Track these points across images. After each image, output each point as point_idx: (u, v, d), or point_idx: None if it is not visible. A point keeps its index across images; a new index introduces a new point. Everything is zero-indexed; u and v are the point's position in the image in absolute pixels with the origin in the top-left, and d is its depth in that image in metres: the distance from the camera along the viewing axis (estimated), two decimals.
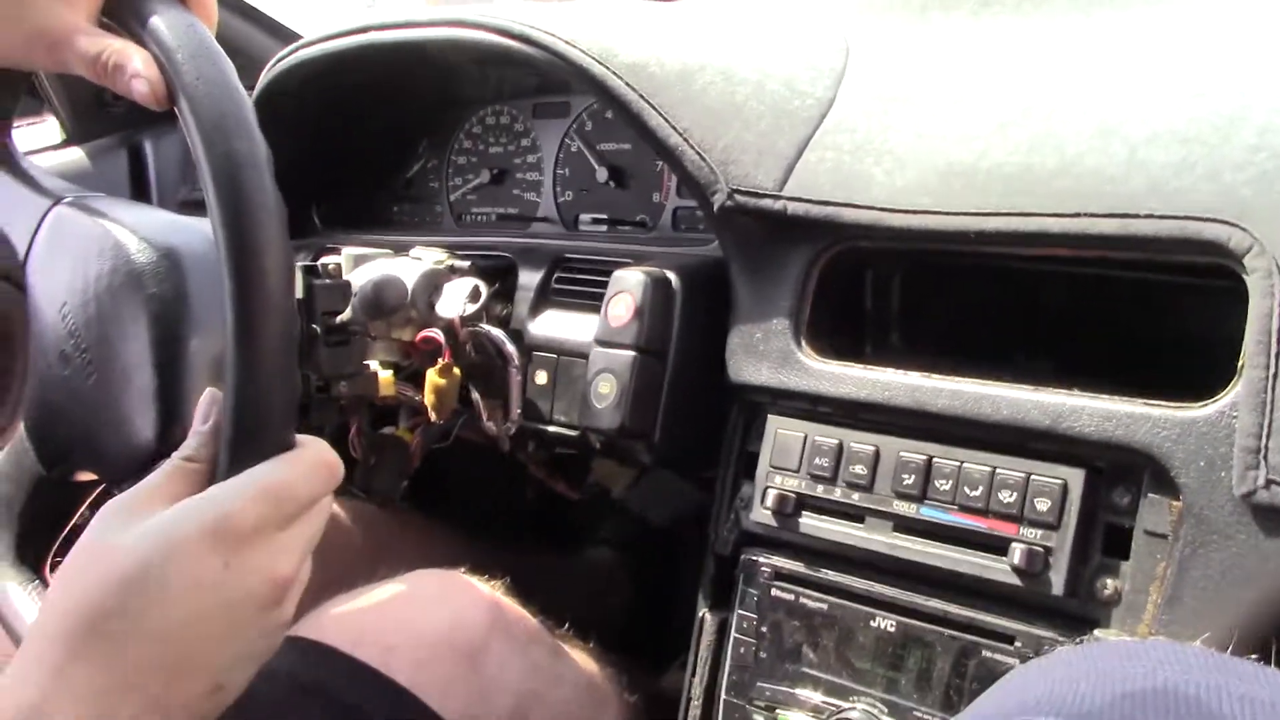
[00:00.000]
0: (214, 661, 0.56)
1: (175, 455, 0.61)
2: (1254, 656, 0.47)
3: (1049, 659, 0.50)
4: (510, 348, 0.88)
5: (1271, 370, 0.55)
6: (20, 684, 0.53)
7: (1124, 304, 0.76)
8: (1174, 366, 0.64)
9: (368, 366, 0.86)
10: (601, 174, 1.05)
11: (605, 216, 1.06)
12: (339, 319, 0.80)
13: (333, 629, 0.73)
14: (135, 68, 0.65)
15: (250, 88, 0.77)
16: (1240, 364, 0.57)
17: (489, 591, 0.81)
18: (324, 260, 0.84)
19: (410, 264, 0.91)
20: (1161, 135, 0.65)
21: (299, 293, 0.75)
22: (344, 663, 0.71)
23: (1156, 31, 0.75)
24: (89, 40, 0.66)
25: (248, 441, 0.62)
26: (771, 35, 0.91)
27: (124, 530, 0.55)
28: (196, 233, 0.84)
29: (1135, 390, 0.62)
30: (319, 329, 0.78)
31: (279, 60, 1.05)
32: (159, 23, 0.66)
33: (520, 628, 0.80)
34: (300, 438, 0.62)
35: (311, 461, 0.61)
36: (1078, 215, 0.64)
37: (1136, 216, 0.62)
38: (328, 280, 0.79)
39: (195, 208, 0.94)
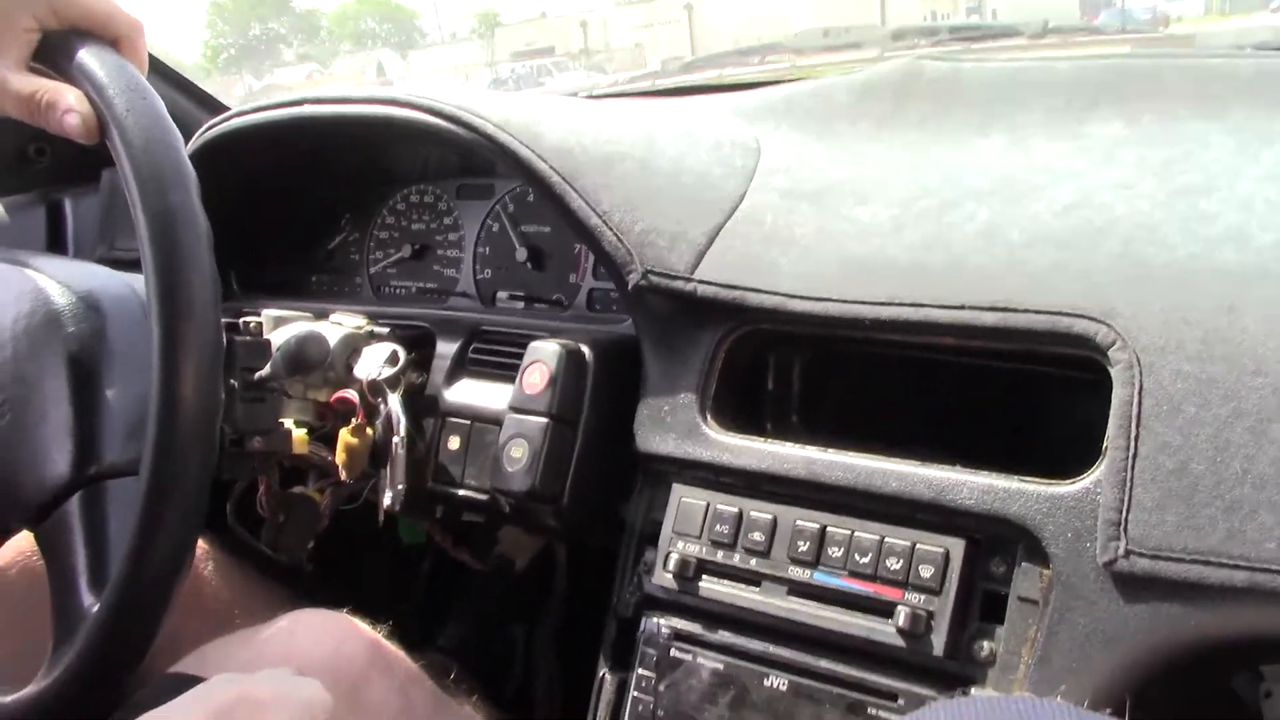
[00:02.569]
0: None
1: None
2: (1109, 711, 0.52)
3: (922, 713, 0.54)
4: (403, 420, 0.89)
5: (1131, 451, 0.61)
6: None
7: (1006, 392, 0.82)
8: (1049, 447, 0.69)
9: (282, 424, 0.87)
10: (521, 254, 1.09)
11: (522, 294, 1.10)
12: (257, 375, 0.82)
13: (215, 663, 0.74)
14: (68, 103, 0.69)
15: None
16: (1104, 446, 0.63)
17: (371, 631, 0.82)
18: (244, 319, 0.86)
19: (330, 327, 0.93)
20: (1039, 240, 0.72)
21: None
22: None
23: (1038, 151, 0.83)
24: (21, 81, 0.70)
25: (167, 486, 0.64)
26: (689, 134, 0.97)
27: None
28: (116, 279, 0.85)
29: (1013, 468, 0.67)
30: (236, 384, 0.79)
31: (210, 128, 1.07)
32: (90, 61, 0.70)
33: (400, 668, 0.81)
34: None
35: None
36: (963, 308, 0.70)
37: (1015, 311, 0.68)
38: (247, 337, 0.81)
39: (113, 266, 0.95)
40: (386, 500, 0.91)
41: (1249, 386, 0.58)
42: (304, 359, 0.85)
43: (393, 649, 0.83)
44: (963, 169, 0.84)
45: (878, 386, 0.88)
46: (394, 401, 0.91)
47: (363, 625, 0.83)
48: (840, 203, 0.84)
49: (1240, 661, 0.65)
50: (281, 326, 0.92)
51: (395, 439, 0.90)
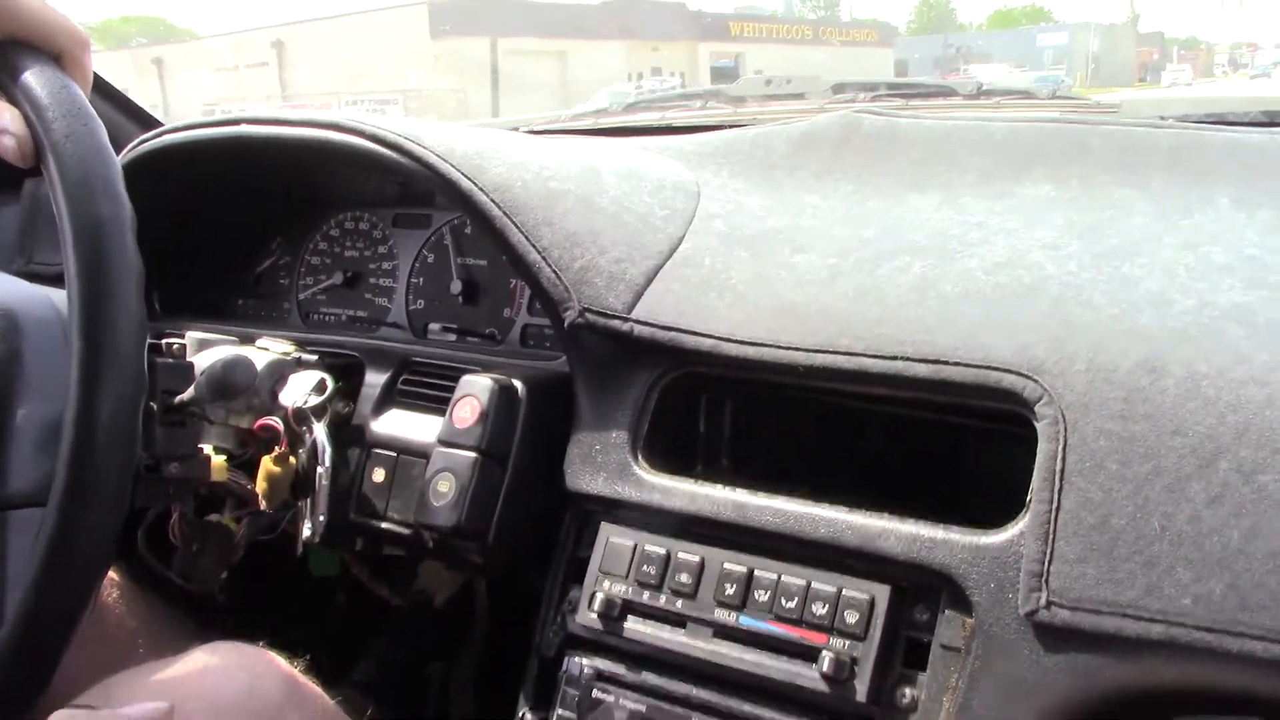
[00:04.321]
0: None
1: None
2: None
3: None
4: (328, 450, 0.88)
5: (1054, 505, 0.62)
6: None
7: (937, 441, 0.84)
8: (977, 498, 0.70)
9: (201, 450, 0.85)
10: (455, 286, 1.08)
11: (455, 327, 1.09)
12: (177, 399, 0.79)
13: (122, 697, 0.71)
14: (3, 124, 0.65)
15: None
16: (1029, 499, 0.64)
17: (286, 665, 0.79)
18: (168, 341, 0.83)
19: (257, 352, 0.91)
20: (970, 295, 0.73)
21: None
22: None
23: (971, 208, 0.85)
24: None
25: (76, 520, 0.61)
26: (631, 174, 0.98)
27: None
28: (36, 297, 0.82)
29: (941, 517, 0.68)
30: (156, 407, 0.77)
31: (140, 143, 1.05)
32: (31, 81, 0.66)
33: (316, 705, 0.79)
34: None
35: None
36: (895, 358, 0.71)
37: (946, 363, 0.69)
38: (170, 359, 0.79)
39: (30, 280, 0.92)
40: (306, 531, 0.89)
41: (1168, 446, 0.59)
42: (229, 384, 0.83)
43: (309, 684, 0.81)
44: (898, 222, 0.85)
45: (809, 432, 0.89)
46: (320, 430, 0.89)
47: (278, 659, 0.80)
48: (777, 250, 0.85)
49: (1153, 714, 0.67)
50: (206, 350, 0.90)
51: (320, 469, 0.88)
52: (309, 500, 0.90)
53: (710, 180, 0.99)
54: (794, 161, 1.00)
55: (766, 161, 1.01)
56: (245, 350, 0.91)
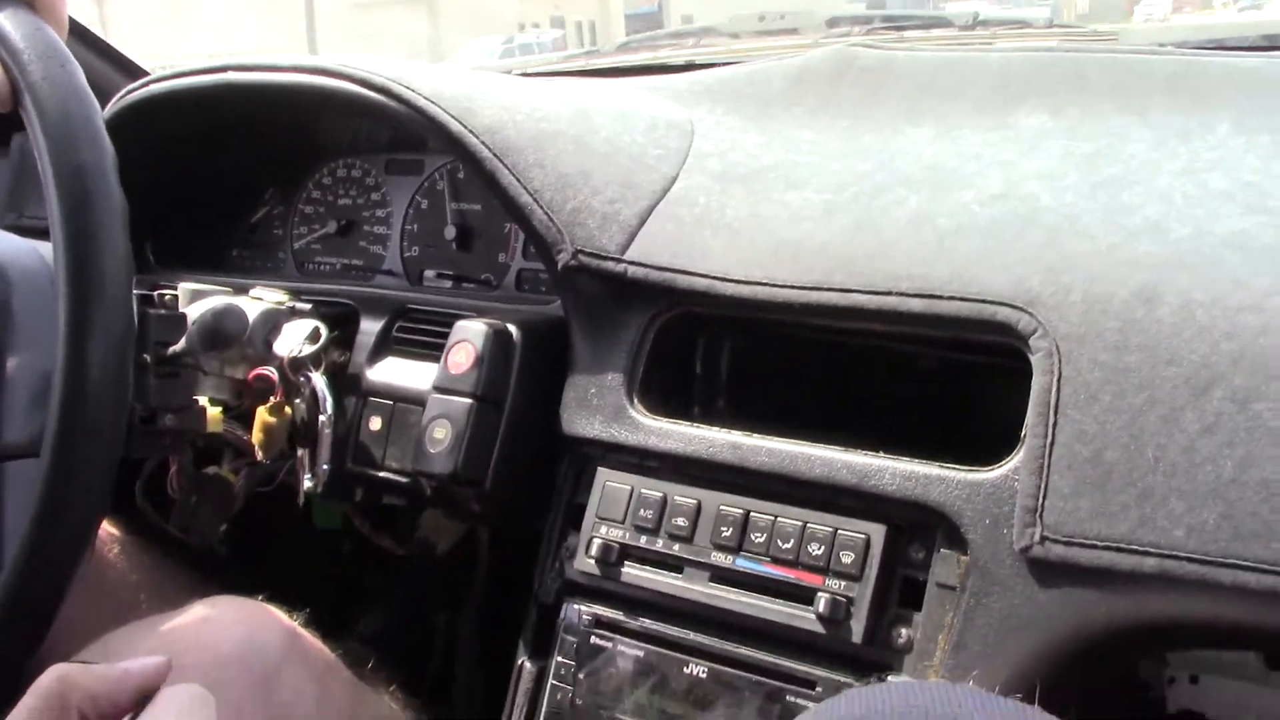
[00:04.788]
0: None
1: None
2: (1019, 697, 0.52)
3: (835, 700, 0.54)
4: (329, 399, 0.87)
5: (1049, 439, 0.61)
6: None
7: (934, 378, 0.83)
8: (975, 434, 0.70)
9: (196, 401, 0.85)
10: (450, 232, 1.07)
11: (450, 273, 1.08)
12: (170, 350, 0.79)
13: (121, 652, 0.71)
14: None
15: None
16: (1023, 433, 0.63)
17: (286, 619, 0.80)
18: (160, 292, 0.83)
19: (250, 302, 0.91)
20: (966, 228, 0.72)
21: None
22: None
23: (967, 140, 0.84)
24: None
25: (69, 469, 0.62)
26: (623, 114, 0.96)
27: None
28: (24, 249, 0.82)
29: (938, 455, 0.68)
30: (149, 358, 0.77)
31: (128, 93, 1.04)
32: (5, 24, 0.66)
33: (317, 658, 0.80)
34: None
35: None
36: (889, 294, 0.70)
37: (941, 298, 0.68)
38: (162, 310, 0.78)
39: (22, 235, 0.91)
40: (307, 482, 0.89)
41: (1163, 376, 0.58)
42: (221, 334, 0.82)
43: (309, 638, 0.81)
44: (893, 156, 0.84)
45: (807, 372, 0.88)
46: (319, 379, 0.89)
47: (278, 613, 0.81)
48: (772, 187, 0.84)
49: (1148, 648, 0.67)
50: (199, 300, 0.89)
51: (321, 418, 0.88)
52: (308, 450, 0.90)
53: (704, 118, 0.97)
54: (789, 97, 0.98)
55: (761, 98, 0.99)
56: (238, 300, 0.91)
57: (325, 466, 0.88)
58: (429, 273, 1.10)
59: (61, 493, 0.63)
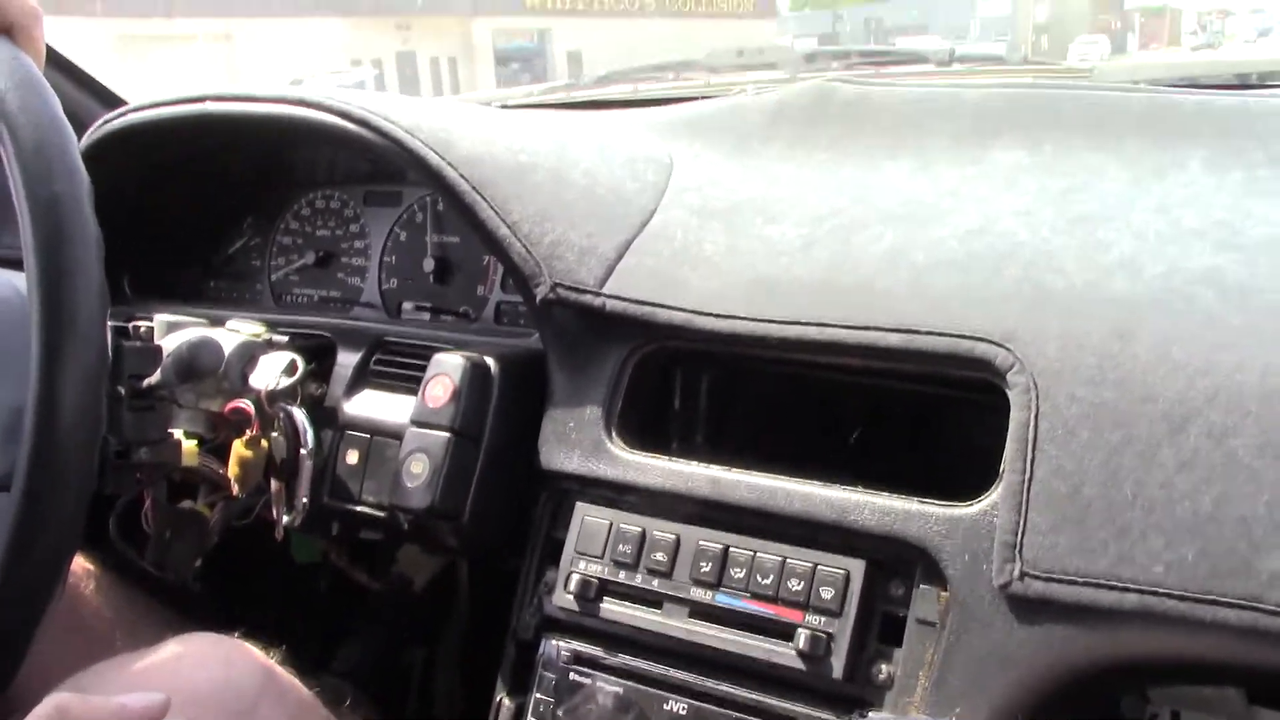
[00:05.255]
0: None
1: None
2: None
3: None
4: (309, 431, 0.87)
5: (1027, 474, 0.61)
6: None
7: (913, 414, 0.83)
8: (954, 471, 0.70)
9: (171, 435, 0.84)
10: (428, 264, 1.07)
11: (429, 305, 1.08)
12: (145, 383, 0.78)
13: (95, 689, 0.70)
14: None
15: None
16: (1001, 469, 0.63)
17: (262, 656, 0.78)
18: (135, 324, 0.82)
19: (227, 334, 0.90)
20: (943, 264, 0.73)
21: None
22: None
23: (944, 176, 0.84)
24: None
25: (41, 503, 0.61)
26: (602, 148, 0.96)
27: None
28: None
29: (918, 490, 0.68)
30: (124, 391, 0.76)
31: (105, 122, 1.03)
32: None
33: (294, 696, 0.78)
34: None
35: None
36: (867, 328, 0.70)
37: (919, 333, 0.68)
38: (137, 342, 0.78)
39: None
40: (286, 517, 0.88)
41: (1139, 412, 0.59)
42: (196, 366, 0.82)
43: (285, 675, 0.80)
44: (871, 190, 0.85)
45: (785, 407, 0.88)
46: (299, 413, 0.88)
47: (254, 650, 0.79)
48: (750, 221, 0.84)
49: (1129, 684, 0.67)
50: (175, 332, 0.89)
51: (302, 451, 0.87)
52: (285, 484, 0.89)
53: (683, 152, 0.98)
54: (768, 132, 0.99)
55: (740, 131, 1.00)
56: (214, 332, 0.90)
57: (305, 500, 0.87)
58: (407, 305, 1.09)
59: (32, 528, 0.62)
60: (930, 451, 0.82)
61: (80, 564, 0.94)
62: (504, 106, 1.30)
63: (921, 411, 0.83)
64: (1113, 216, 0.72)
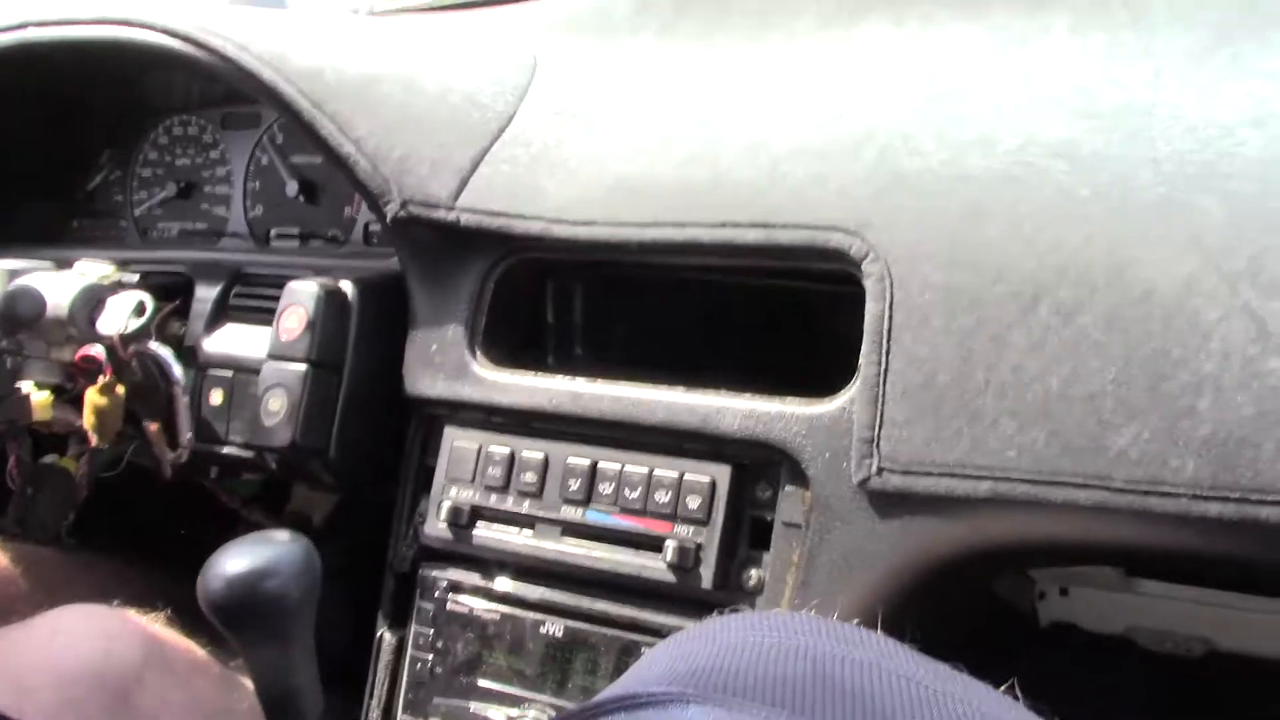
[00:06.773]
0: None
1: None
2: (856, 622, 0.50)
3: (675, 637, 0.51)
4: (175, 368, 0.83)
5: (883, 367, 0.59)
6: None
7: (798, 312, 0.81)
8: (825, 367, 0.67)
9: (19, 389, 0.79)
10: (292, 188, 1.01)
11: (296, 231, 1.03)
12: None
13: None
14: None
15: None
16: (859, 363, 0.61)
17: (144, 623, 0.75)
18: None
19: (72, 278, 0.85)
20: (801, 151, 0.69)
21: None
22: None
23: (808, 58, 0.80)
24: None
25: None
26: (459, 50, 0.91)
27: None
28: None
29: (794, 391, 0.65)
30: None
31: None
32: None
33: (182, 659, 0.76)
34: None
35: None
36: (724, 225, 0.67)
37: (776, 226, 0.65)
38: None
39: None
40: (170, 456, 0.84)
41: (991, 294, 0.56)
42: (15, 316, 0.77)
43: (172, 639, 0.77)
44: (735, 79, 0.80)
45: (668, 313, 0.85)
46: (162, 350, 0.83)
47: (135, 617, 0.76)
48: (611, 120, 0.80)
49: (995, 569, 0.66)
50: (16, 280, 0.84)
51: (176, 388, 0.83)
52: (163, 424, 0.85)
53: (547, 51, 0.93)
54: (635, 23, 0.93)
55: (607, 27, 0.95)
56: (59, 275, 0.85)
57: (189, 434, 0.83)
58: (275, 232, 1.04)
59: None
60: (812, 349, 0.79)
61: None
62: (373, 13, 1.23)
63: (803, 308, 0.80)
64: (973, 89, 0.69)
